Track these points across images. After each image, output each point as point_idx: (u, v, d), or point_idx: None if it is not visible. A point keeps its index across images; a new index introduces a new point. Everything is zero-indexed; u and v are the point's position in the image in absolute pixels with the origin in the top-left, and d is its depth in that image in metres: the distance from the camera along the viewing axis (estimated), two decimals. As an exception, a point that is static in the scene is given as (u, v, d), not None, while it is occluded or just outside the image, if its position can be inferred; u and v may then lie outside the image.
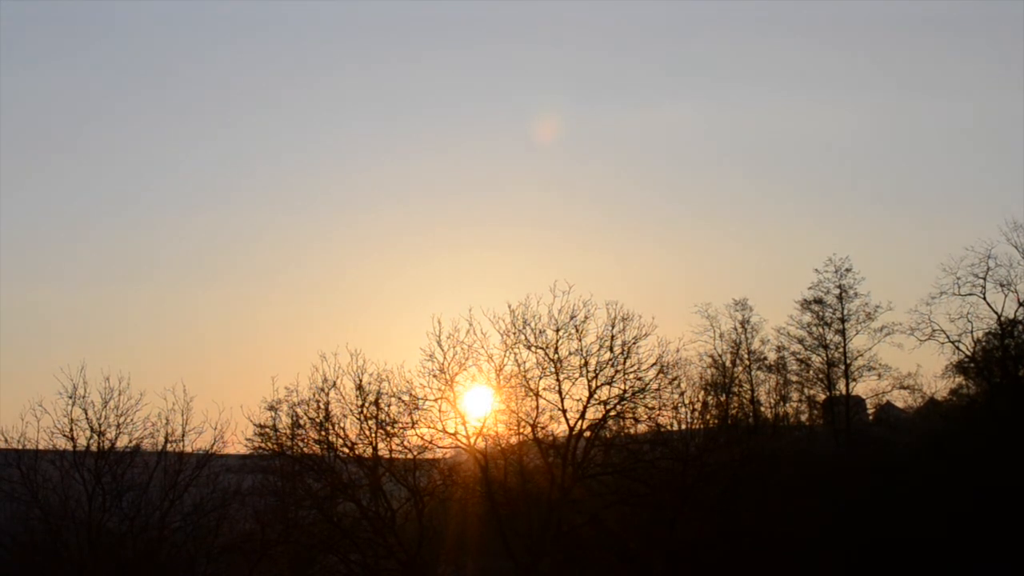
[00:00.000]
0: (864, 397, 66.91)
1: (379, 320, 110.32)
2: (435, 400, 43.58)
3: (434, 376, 43.59)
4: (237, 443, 43.85)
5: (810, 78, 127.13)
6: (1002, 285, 61.69)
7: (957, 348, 63.25)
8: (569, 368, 44.34)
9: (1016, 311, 62.12)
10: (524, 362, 44.26)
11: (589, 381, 44.25)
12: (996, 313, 62.22)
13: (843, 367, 64.29)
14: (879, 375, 64.30)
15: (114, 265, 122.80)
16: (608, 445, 47.42)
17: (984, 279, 61.61)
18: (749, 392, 66.19)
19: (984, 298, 62.08)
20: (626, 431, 49.49)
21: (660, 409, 45.88)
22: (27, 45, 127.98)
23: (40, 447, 40.96)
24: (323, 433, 43.69)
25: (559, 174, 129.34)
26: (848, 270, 64.90)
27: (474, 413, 44.24)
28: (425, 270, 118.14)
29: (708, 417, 57.89)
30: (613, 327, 44.19)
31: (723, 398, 63.45)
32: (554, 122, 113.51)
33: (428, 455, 44.96)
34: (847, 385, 64.72)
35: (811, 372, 65.73)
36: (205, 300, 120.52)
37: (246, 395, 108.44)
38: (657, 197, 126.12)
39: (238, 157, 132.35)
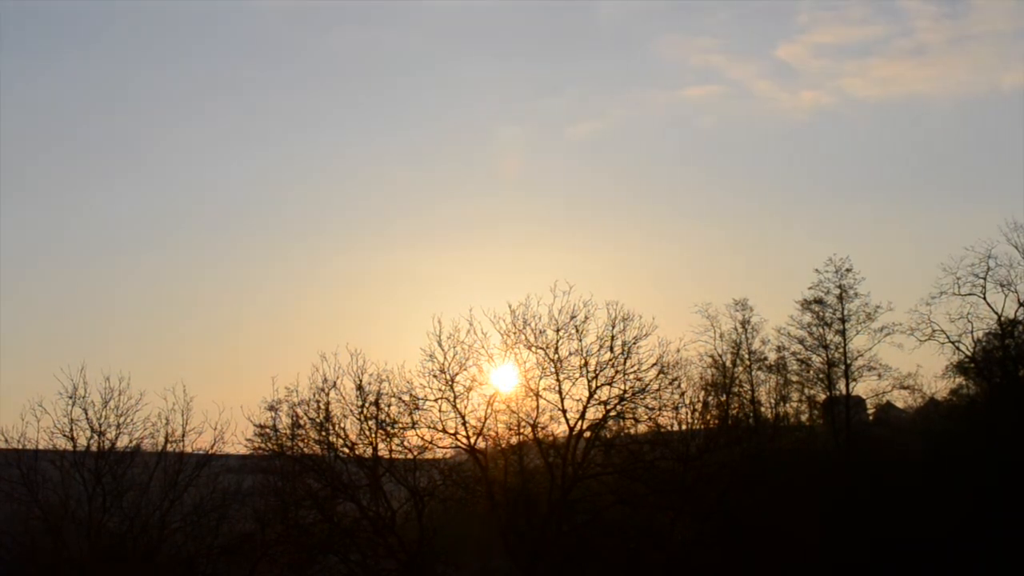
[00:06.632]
0: (864, 397, 66.74)
1: (379, 320, 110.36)
2: (435, 400, 43.61)
3: (434, 376, 43.63)
4: (237, 443, 43.92)
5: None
6: (1002, 285, 61.58)
7: (957, 348, 63.14)
8: (569, 368, 44.30)
9: (1016, 311, 62.01)
10: (524, 362, 44.31)
11: (589, 381, 44.19)
12: (996, 313, 62.11)
13: (843, 367, 64.07)
14: (879, 375, 64.05)
15: (115, 265, 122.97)
16: (608, 445, 47.34)
17: (984, 279, 61.48)
18: (749, 392, 66.06)
19: (984, 298, 61.94)
20: (626, 431, 49.40)
21: (660, 409, 45.77)
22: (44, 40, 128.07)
23: (40, 447, 40.97)
24: (323, 433, 43.68)
25: (559, 174, 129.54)
26: (848, 270, 64.66)
27: (474, 413, 44.24)
28: (426, 270, 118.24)
29: (708, 417, 57.71)
30: (613, 327, 44.14)
31: (723, 398, 63.29)
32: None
33: (428, 455, 44.96)
34: (847, 385, 64.51)
35: (811, 372, 65.52)
36: (206, 300, 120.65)
37: (246, 395, 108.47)
38: (657, 197, 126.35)
39: (238, 164, 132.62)
